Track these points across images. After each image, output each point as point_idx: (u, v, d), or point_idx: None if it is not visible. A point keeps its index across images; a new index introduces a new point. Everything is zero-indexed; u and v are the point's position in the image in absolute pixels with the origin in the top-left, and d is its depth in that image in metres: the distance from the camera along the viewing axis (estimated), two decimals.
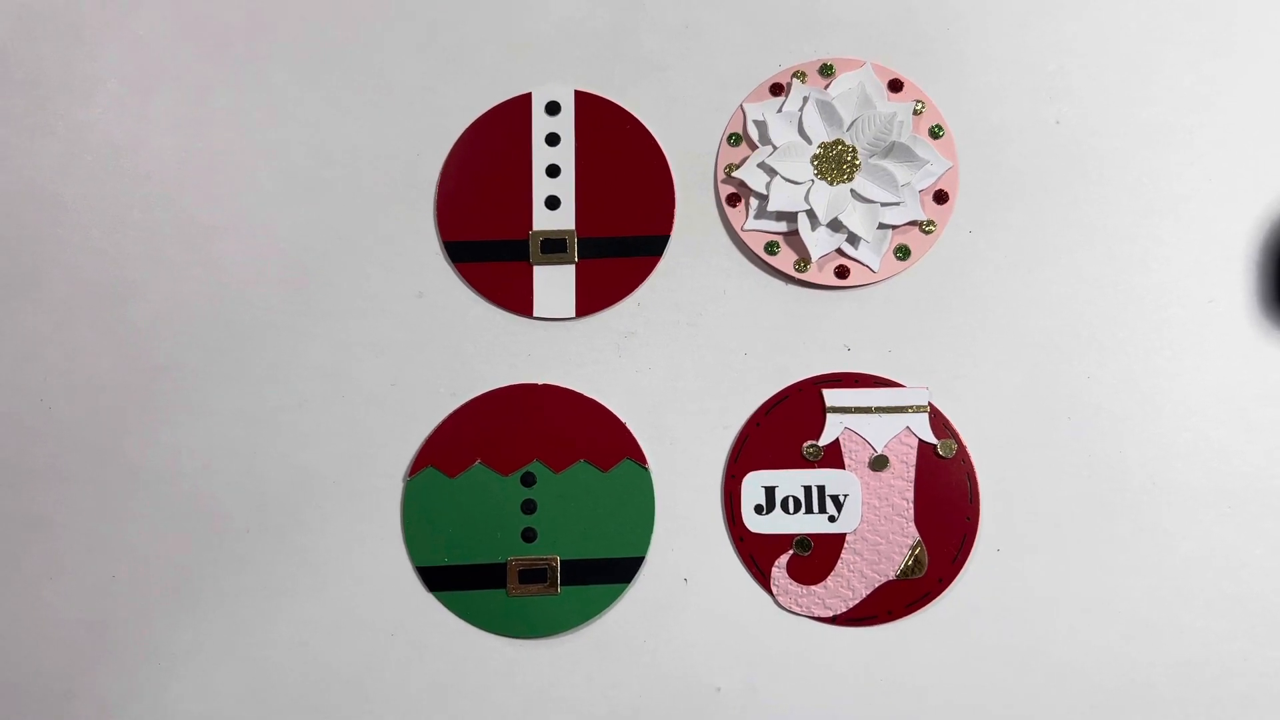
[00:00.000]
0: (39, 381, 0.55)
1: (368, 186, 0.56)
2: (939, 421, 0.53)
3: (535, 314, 0.55)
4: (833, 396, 0.53)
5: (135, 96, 0.57)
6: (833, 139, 0.54)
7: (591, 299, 0.55)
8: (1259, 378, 0.53)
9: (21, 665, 0.54)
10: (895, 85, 0.55)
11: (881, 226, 0.54)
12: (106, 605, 0.54)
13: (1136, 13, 0.55)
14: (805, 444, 0.53)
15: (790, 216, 0.54)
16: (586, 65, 0.56)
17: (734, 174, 0.55)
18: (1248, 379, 0.53)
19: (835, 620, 0.52)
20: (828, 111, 0.54)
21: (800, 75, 0.55)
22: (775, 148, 0.54)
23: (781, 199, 0.54)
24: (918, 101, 0.55)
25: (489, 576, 0.53)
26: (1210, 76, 0.55)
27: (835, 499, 0.53)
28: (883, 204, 0.54)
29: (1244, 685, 0.51)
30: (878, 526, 0.53)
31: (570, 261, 0.55)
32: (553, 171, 0.56)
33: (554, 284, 0.55)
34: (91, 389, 0.55)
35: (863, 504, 0.53)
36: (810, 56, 0.56)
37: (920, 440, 0.53)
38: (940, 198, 0.54)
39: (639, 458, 0.54)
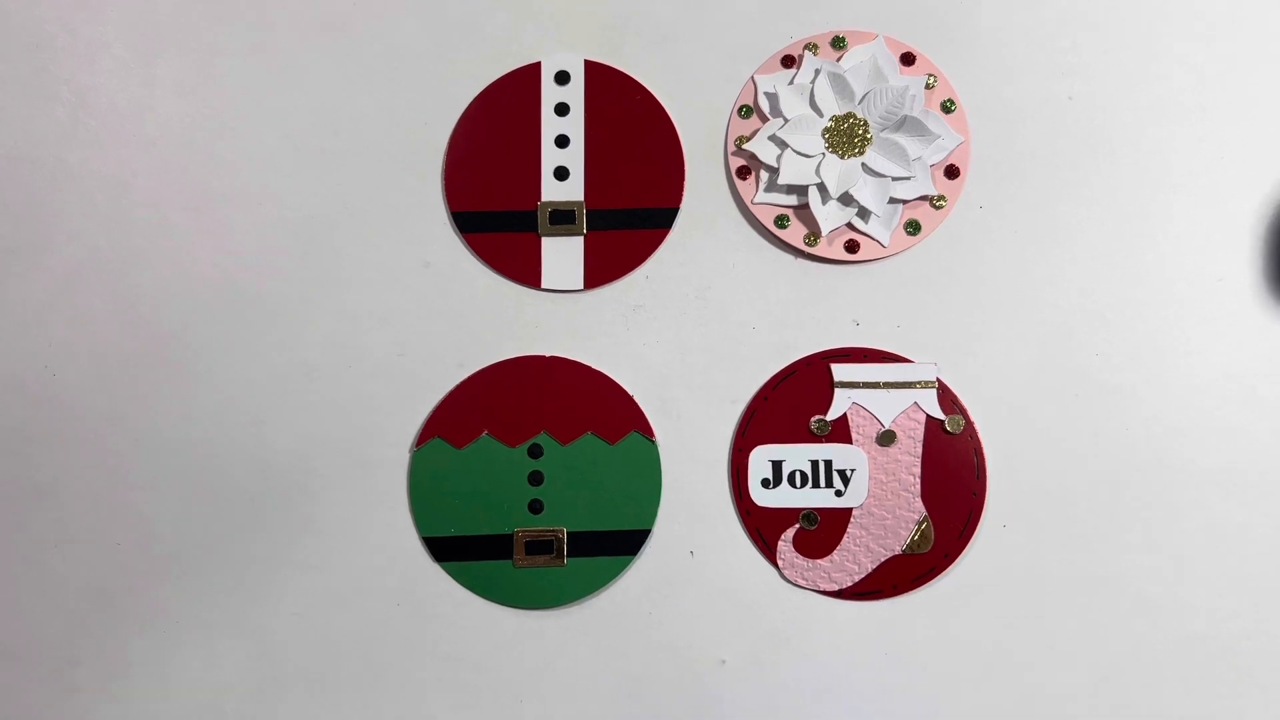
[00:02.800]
0: (43, 348, 0.55)
1: (375, 155, 0.55)
2: (947, 397, 0.53)
3: (543, 285, 0.54)
4: (841, 371, 0.53)
5: (140, 61, 0.56)
6: (844, 112, 0.54)
7: (600, 271, 0.54)
8: (1267, 356, 0.53)
9: (26, 632, 0.54)
10: (908, 59, 0.55)
11: (892, 201, 0.54)
12: (111, 573, 0.54)
13: None
14: (813, 418, 0.53)
15: (801, 190, 0.54)
16: (597, 35, 0.56)
17: (744, 146, 0.55)
18: (1255, 357, 0.53)
19: (841, 594, 0.52)
20: (839, 84, 0.54)
21: (812, 47, 0.55)
22: (786, 120, 0.54)
23: (792, 172, 0.54)
24: (930, 75, 0.54)
25: (495, 547, 0.53)
26: (1223, 53, 0.54)
27: (842, 473, 0.53)
28: (894, 178, 0.53)
29: (1247, 662, 0.51)
30: (884, 501, 0.53)
31: (579, 233, 0.55)
32: (562, 142, 0.55)
33: (562, 255, 0.55)
34: (96, 357, 0.55)
35: (870, 479, 0.53)
36: (822, 28, 0.55)
37: (928, 416, 0.53)
38: (951, 173, 0.54)
39: (646, 430, 0.53)
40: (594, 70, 0.56)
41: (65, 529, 0.54)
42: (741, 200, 0.55)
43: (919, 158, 0.53)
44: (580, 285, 0.54)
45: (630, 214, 0.55)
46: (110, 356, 0.55)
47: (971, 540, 0.52)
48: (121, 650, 0.54)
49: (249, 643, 0.54)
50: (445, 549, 0.53)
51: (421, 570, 0.54)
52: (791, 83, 0.55)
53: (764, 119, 0.55)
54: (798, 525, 0.53)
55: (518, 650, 0.53)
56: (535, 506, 0.53)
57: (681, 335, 0.54)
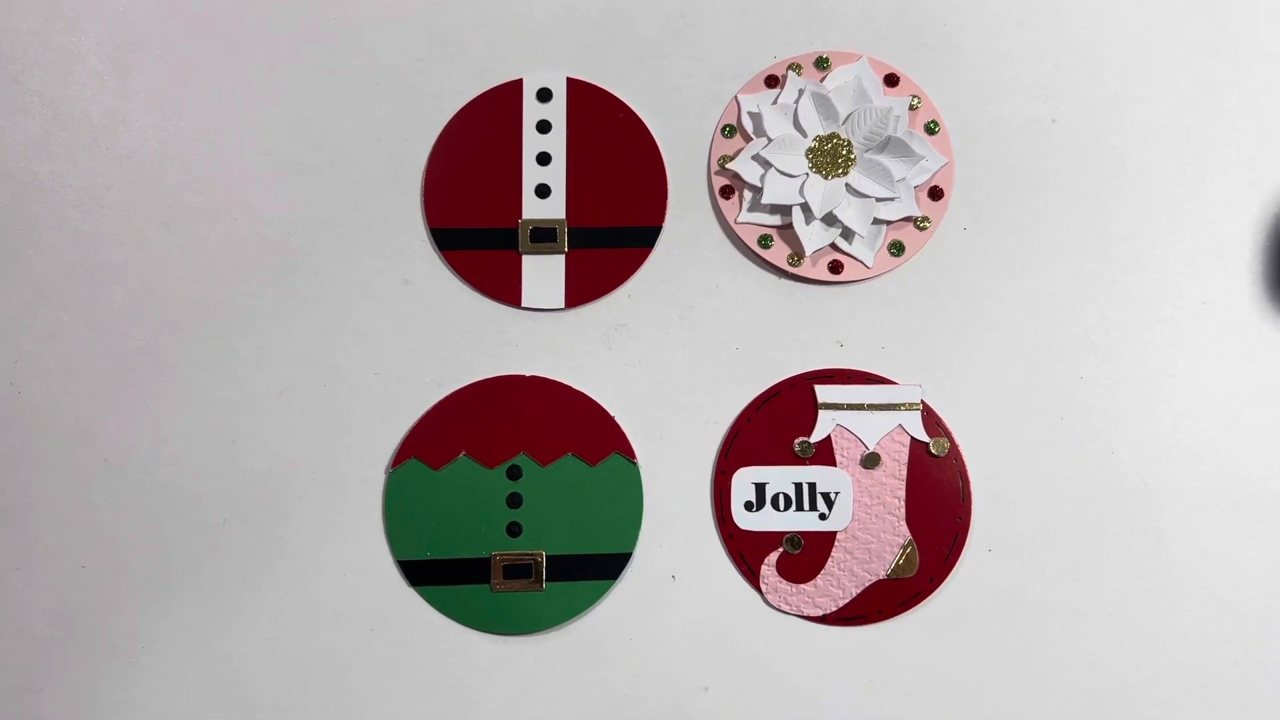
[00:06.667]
0: (8, 365, 0.54)
1: (354, 170, 0.55)
2: (931, 419, 0.52)
3: (523, 304, 0.54)
4: (825, 393, 0.53)
5: (115, 73, 0.55)
6: (828, 132, 0.54)
7: (581, 290, 0.54)
8: (1252, 379, 0.53)
9: None
10: (891, 80, 0.55)
11: (876, 222, 0.53)
12: (76, 596, 0.52)
13: (1134, 12, 0.55)
14: (796, 440, 0.52)
15: (784, 210, 0.54)
16: (579, 52, 0.56)
17: (728, 166, 0.54)
18: (1241, 380, 0.53)
19: (825, 619, 0.52)
20: (823, 104, 0.54)
21: (796, 67, 0.55)
22: (770, 140, 0.54)
23: (776, 192, 0.53)
24: (914, 96, 0.54)
25: (473, 571, 0.52)
26: (1207, 76, 0.55)
27: (826, 496, 0.52)
28: (878, 199, 0.53)
29: (1234, 689, 0.51)
30: (869, 525, 0.52)
31: (560, 251, 0.54)
32: (543, 159, 0.55)
33: (543, 274, 0.54)
34: (64, 373, 0.53)
35: (854, 502, 0.52)
36: (806, 49, 0.55)
37: (913, 438, 0.52)
38: (935, 194, 0.54)
39: (628, 452, 0.53)
40: (576, 88, 0.55)
41: (28, 551, 0.53)
42: (725, 220, 0.54)
43: (903, 179, 0.53)
44: (561, 304, 0.54)
45: (612, 232, 0.54)
46: (78, 373, 0.53)
47: (957, 564, 0.52)
48: (86, 677, 0.52)
49: (219, 669, 0.52)
50: (421, 573, 0.52)
51: (397, 595, 0.52)
52: (775, 102, 0.54)
53: (747, 138, 0.55)
54: (781, 549, 0.52)
55: (495, 677, 0.52)
56: (514, 529, 0.52)
57: (664, 355, 0.54)
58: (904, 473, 0.52)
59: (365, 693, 0.52)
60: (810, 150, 0.54)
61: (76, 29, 0.56)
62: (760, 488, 0.52)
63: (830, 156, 0.54)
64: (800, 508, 0.52)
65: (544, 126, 0.55)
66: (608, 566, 0.52)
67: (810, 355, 0.54)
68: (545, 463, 0.53)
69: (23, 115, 0.55)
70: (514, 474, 0.52)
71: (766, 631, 0.52)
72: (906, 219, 0.54)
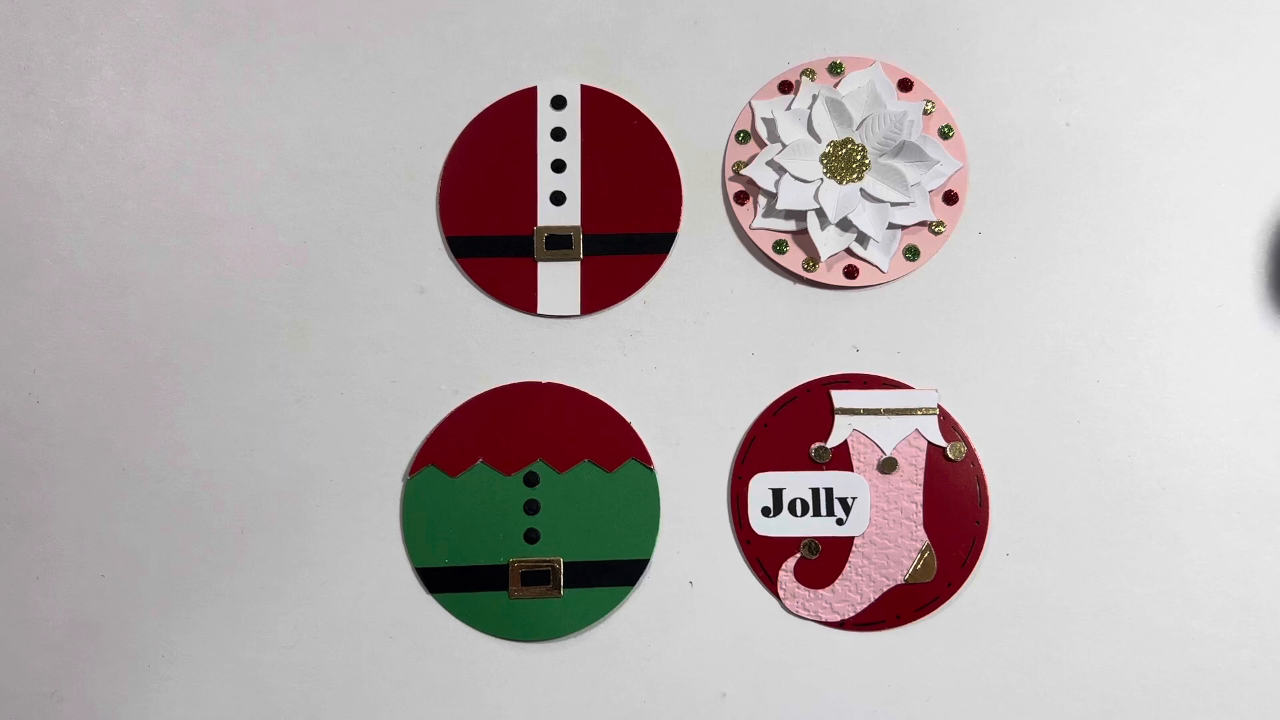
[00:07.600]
0: (27, 375, 0.54)
1: (369, 179, 0.55)
2: (948, 424, 0.52)
3: (539, 311, 0.54)
4: (841, 398, 0.53)
5: (130, 84, 0.56)
6: (842, 137, 0.54)
7: (597, 296, 0.54)
8: (1268, 382, 0.52)
9: (7, 666, 0.52)
10: (905, 84, 0.55)
11: (891, 226, 0.53)
12: (96, 605, 0.53)
13: (1146, 16, 0.55)
14: (813, 446, 0.52)
15: (799, 215, 0.54)
16: (593, 59, 0.56)
17: (742, 171, 0.54)
18: (1257, 383, 0.53)
19: (843, 625, 0.52)
20: (837, 110, 0.54)
21: (809, 73, 0.55)
22: (784, 145, 0.54)
23: (790, 197, 0.53)
24: (927, 101, 0.54)
25: (490, 578, 0.52)
26: (1219, 80, 0.55)
27: (843, 502, 0.52)
28: (892, 204, 0.53)
29: (1253, 693, 0.51)
30: (886, 530, 0.52)
31: (575, 258, 0.54)
32: (558, 166, 0.55)
33: (558, 281, 0.54)
34: (83, 383, 0.54)
35: (871, 507, 0.52)
36: (819, 54, 0.55)
37: (929, 443, 0.52)
38: (950, 198, 0.54)
39: (644, 458, 0.53)
40: (590, 95, 0.55)
41: (48, 561, 0.53)
42: (739, 225, 0.54)
43: (917, 183, 0.53)
44: (577, 311, 0.54)
45: (627, 239, 0.54)
46: (96, 383, 0.54)
47: (975, 569, 0.52)
48: (107, 686, 0.52)
49: (237, 677, 0.52)
50: (439, 580, 0.52)
51: (415, 602, 0.52)
52: (789, 108, 0.54)
53: (761, 144, 0.55)
54: (799, 554, 0.52)
55: (513, 684, 0.52)
56: (531, 536, 0.52)
57: (680, 361, 0.54)
58: (921, 477, 0.52)
59: (384, 700, 0.52)
60: (824, 155, 0.54)
61: (92, 40, 0.56)
62: (777, 493, 0.52)
63: (844, 162, 0.54)
64: (817, 513, 0.52)
65: (558, 134, 0.55)
66: (625, 573, 0.52)
67: (826, 360, 0.54)
68: (562, 469, 0.53)
69: (39, 126, 0.55)
70: (531, 480, 0.53)
71: (784, 637, 0.52)
72: (921, 223, 0.54)
